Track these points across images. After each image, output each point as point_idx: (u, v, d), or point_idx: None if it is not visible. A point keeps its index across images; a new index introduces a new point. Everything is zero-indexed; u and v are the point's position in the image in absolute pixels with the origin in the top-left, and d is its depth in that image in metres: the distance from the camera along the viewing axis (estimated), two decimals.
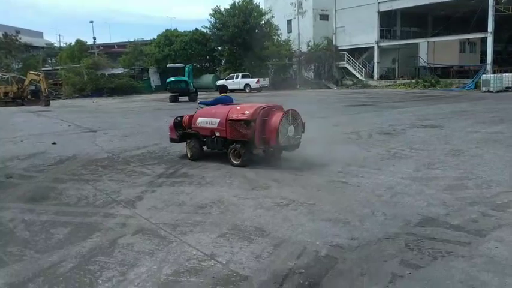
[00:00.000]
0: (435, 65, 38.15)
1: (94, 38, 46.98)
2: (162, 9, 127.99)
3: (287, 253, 4.00)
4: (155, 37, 46.82)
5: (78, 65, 39.92)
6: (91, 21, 73.98)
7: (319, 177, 6.76)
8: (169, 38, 45.13)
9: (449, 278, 3.45)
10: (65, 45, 48.56)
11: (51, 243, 4.46)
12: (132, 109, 23.06)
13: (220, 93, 9.26)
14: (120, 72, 41.18)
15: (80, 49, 44.77)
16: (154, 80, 43.54)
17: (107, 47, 47.84)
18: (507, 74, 28.05)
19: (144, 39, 47.01)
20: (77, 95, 36.43)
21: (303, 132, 7.86)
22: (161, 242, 4.36)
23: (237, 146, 7.66)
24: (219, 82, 40.29)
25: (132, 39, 44.90)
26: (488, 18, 30.58)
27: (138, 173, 7.49)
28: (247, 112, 7.57)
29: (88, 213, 5.39)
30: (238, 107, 8.02)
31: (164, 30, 46.71)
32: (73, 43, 46.84)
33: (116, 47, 48.18)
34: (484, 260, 3.72)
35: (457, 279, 3.43)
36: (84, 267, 3.88)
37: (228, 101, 8.93)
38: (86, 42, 46.75)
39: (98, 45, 47.30)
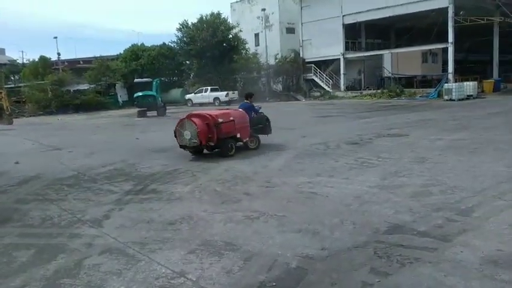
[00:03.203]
0: (399, 75, 39.19)
1: (58, 54, 45.75)
2: (128, 24, 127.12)
3: (258, 266, 3.98)
4: (121, 52, 46.30)
5: (42, 82, 38.94)
6: (55, 37, 72.57)
7: (289, 189, 6.80)
8: (136, 52, 44.67)
9: (417, 284, 3.51)
10: (28, 61, 47.35)
11: (13, 266, 4.29)
12: (98, 125, 22.65)
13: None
14: (86, 88, 40.41)
15: (43, 65, 43.65)
16: (122, 95, 42.90)
17: (72, 63, 46.83)
18: (468, 83, 29.04)
19: (111, 54, 46.40)
20: (41, 112, 35.48)
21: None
22: (129, 261, 4.26)
23: None
24: (188, 96, 40.20)
25: (97, 55, 44.17)
26: (449, 29, 31.69)
27: (104, 191, 7.32)
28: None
29: (53, 234, 5.23)
30: None
31: (131, 45, 46.27)
32: (36, 59, 45.75)
33: (81, 62, 47.24)
34: (450, 265, 3.80)
35: (425, 285, 3.49)
36: None
37: (245, 107, 10.89)
38: (50, 58, 45.69)
39: (63, 61, 46.21)
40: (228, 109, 11.51)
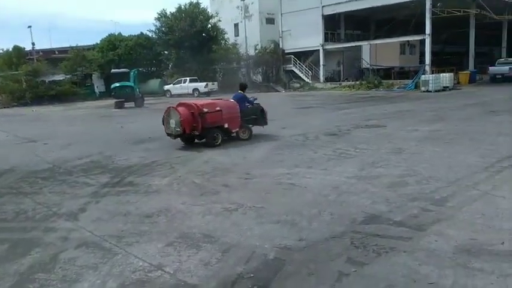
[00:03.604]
0: (378, 67, 39.55)
1: (33, 44, 44.56)
2: (105, 13, 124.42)
3: (236, 258, 3.98)
4: (98, 42, 45.40)
5: (16, 72, 37.93)
6: (29, 26, 70.50)
7: (267, 180, 6.81)
8: (112, 42, 43.84)
9: (393, 273, 3.57)
10: (1, 51, 46.00)
11: None
12: (75, 117, 22.25)
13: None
14: (61, 78, 39.47)
15: (17, 55, 42.45)
16: (98, 86, 42.14)
17: (47, 53, 45.63)
18: (444, 74, 29.48)
19: (87, 44, 45.39)
20: (16, 104, 34.59)
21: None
22: (105, 254, 4.21)
23: None
24: (166, 87, 39.75)
25: (73, 45, 43.14)
26: (426, 21, 32.06)
27: (81, 183, 7.20)
28: None
29: (27, 228, 5.13)
30: None
31: (107, 35, 45.41)
32: (10, 49, 44.49)
33: (56, 52, 46.06)
34: (424, 254, 3.87)
35: (400, 273, 3.55)
36: (23, 285, 3.68)
37: (237, 98, 10.90)
38: (24, 48, 44.48)
39: (37, 51, 45.02)
40: (219, 99, 11.51)
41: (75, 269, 3.93)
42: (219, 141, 10.24)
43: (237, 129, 10.70)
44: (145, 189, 6.59)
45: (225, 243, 4.33)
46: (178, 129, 9.89)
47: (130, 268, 3.89)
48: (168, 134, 10.33)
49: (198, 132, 9.98)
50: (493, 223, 4.52)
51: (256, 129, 11.30)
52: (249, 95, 11.97)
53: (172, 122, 10.01)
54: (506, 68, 32.14)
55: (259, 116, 11.22)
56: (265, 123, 11.44)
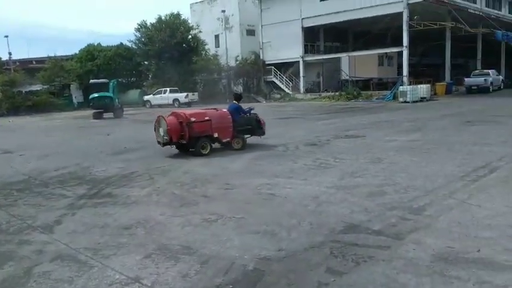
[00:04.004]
0: (357, 78, 40.13)
1: (10, 54, 43.85)
2: (84, 23, 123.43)
3: (215, 269, 3.94)
4: (77, 52, 44.92)
5: None
6: (6, 36, 69.39)
7: (247, 191, 6.79)
8: (91, 52, 43.43)
9: (371, 282, 3.58)
10: None
11: None
12: (52, 127, 21.89)
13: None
14: (39, 89, 38.93)
15: None
16: (77, 96, 41.62)
17: (24, 63, 44.90)
18: (422, 86, 30.08)
19: (65, 54, 44.89)
20: None
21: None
22: (81, 267, 4.12)
23: None
24: (146, 97, 39.47)
25: (51, 55, 42.60)
26: (403, 34, 32.75)
27: (57, 195, 7.05)
28: None
29: (1, 241, 4.99)
30: None
31: (86, 45, 44.95)
32: None
33: (34, 62, 45.39)
34: (402, 263, 3.90)
35: (378, 282, 3.56)
36: None
37: (232, 108, 10.92)
38: (1, 58, 43.71)
39: (14, 61, 44.27)
40: (214, 109, 11.50)
41: (49, 283, 3.83)
42: (208, 150, 10.30)
43: (229, 139, 10.71)
44: (124, 201, 6.49)
45: (204, 254, 4.28)
46: (166, 138, 10.13)
47: (106, 281, 3.81)
48: (158, 142, 10.53)
49: (186, 140, 10.15)
50: (469, 231, 4.59)
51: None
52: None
53: (161, 131, 10.25)
54: (481, 79, 33.03)
55: (254, 126, 11.14)
56: (262, 133, 11.37)
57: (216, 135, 10.43)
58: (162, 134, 10.24)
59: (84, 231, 5.19)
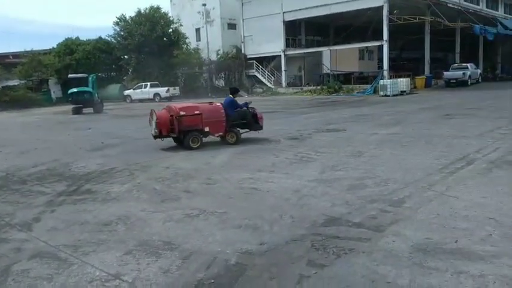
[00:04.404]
0: (338, 72, 40.41)
1: None
2: (62, 17, 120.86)
3: (197, 265, 3.93)
4: (55, 46, 44.05)
5: None
6: None
7: (230, 185, 6.78)
8: (70, 47, 42.66)
9: (352, 274, 3.62)
10: None
11: None
12: (30, 123, 21.47)
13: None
14: (16, 84, 38.11)
15: None
16: (55, 91, 40.87)
17: (1, 58, 43.77)
18: (402, 79, 30.47)
19: (43, 48, 43.94)
20: None
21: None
22: (61, 265, 4.06)
23: None
24: (127, 92, 39.01)
25: (29, 49, 41.64)
26: (384, 28, 33.08)
27: (35, 192, 6.93)
28: None
29: None
30: None
31: (64, 39, 44.11)
32: None
33: (10, 57, 44.29)
34: (382, 254, 3.95)
35: (359, 274, 3.60)
36: None
37: (226, 102, 10.83)
38: None
39: None
40: (210, 102, 11.45)
41: (28, 281, 3.76)
42: (198, 144, 10.30)
43: (221, 133, 10.67)
44: (104, 197, 6.41)
45: (186, 249, 4.27)
46: (157, 131, 10.31)
47: (86, 278, 3.76)
48: (152, 135, 10.69)
49: (176, 134, 10.32)
50: (447, 222, 4.67)
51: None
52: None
53: (153, 124, 10.47)
54: (459, 73, 33.60)
55: (250, 120, 10.93)
56: (259, 128, 11.14)
57: (207, 129, 10.41)
58: (153, 127, 10.43)
59: (64, 228, 5.11)
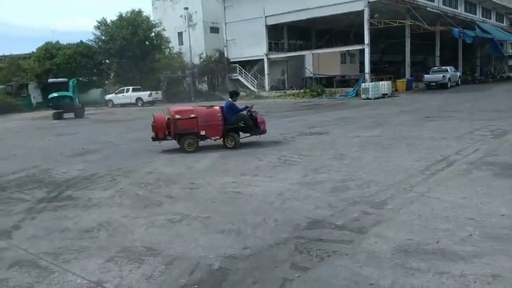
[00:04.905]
0: (320, 76, 40.66)
1: None
2: (41, 20, 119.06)
3: (180, 270, 3.90)
4: (34, 50, 43.35)
5: None
6: None
7: (213, 190, 6.76)
8: (50, 51, 41.93)
9: (335, 276, 3.64)
10: None
11: None
12: (9, 129, 21.07)
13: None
14: None
15: None
16: (35, 96, 40.18)
17: None
18: (383, 82, 30.84)
19: (22, 52, 43.25)
20: None
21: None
22: (41, 273, 3.98)
23: None
24: (108, 96, 38.58)
25: (7, 53, 40.96)
26: (365, 32, 33.46)
27: (15, 199, 6.80)
28: None
29: None
30: None
31: (44, 43, 43.43)
32: None
33: None
34: (365, 256, 3.98)
35: (342, 276, 3.62)
36: None
37: (226, 106, 10.74)
38: None
39: None
40: (212, 106, 11.34)
41: None
42: (193, 147, 10.36)
43: (218, 137, 10.63)
44: (85, 203, 6.32)
45: (169, 255, 4.23)
46: (153, 133, 10.70)
47: (68, 286, 3.70)
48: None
49: (172, 137, 10.49)
50: (429, 223, 4.73)
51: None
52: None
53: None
54: (439, 75, 34.18)
55: (249, 124, 10.75)
56: (260, 132, 10.97)
57: (203, 132, 10.42)
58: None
59: (44, 235, 5.03)
